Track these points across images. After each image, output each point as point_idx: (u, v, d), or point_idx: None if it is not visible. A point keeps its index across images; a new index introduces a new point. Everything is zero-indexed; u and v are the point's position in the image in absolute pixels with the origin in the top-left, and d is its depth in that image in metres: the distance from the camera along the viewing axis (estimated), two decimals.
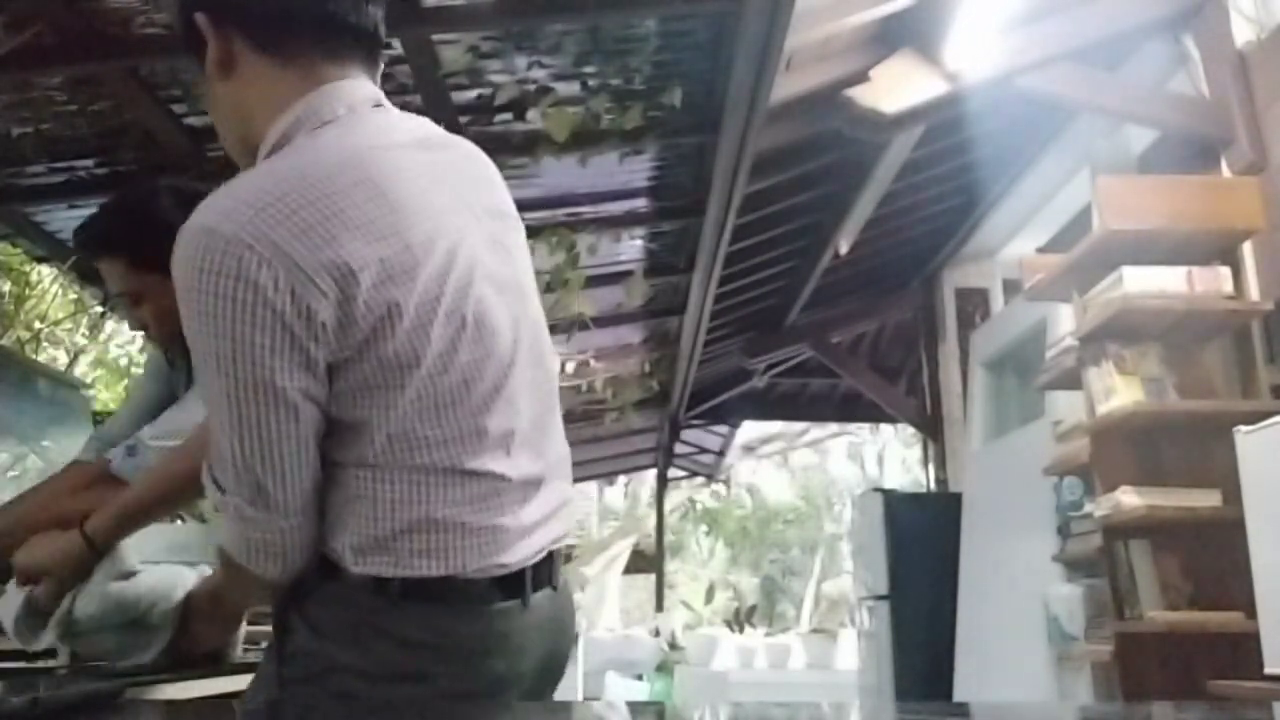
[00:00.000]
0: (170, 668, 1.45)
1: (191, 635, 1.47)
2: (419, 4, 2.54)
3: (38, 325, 5.35)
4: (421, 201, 1.02)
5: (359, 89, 1.09)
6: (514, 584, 1.08)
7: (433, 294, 0.99)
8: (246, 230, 0.91)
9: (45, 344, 5.53)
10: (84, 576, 1.39)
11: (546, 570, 1.14)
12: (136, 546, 1.45)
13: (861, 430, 14.67)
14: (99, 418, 4.05)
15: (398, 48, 2.74)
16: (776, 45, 2.72)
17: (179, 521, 2.11)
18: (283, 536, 1.02)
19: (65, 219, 3.50)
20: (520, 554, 1.09)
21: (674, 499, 14.17)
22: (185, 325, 0.96)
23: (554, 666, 1.19)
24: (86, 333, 6.04)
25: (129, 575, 1.43)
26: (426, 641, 1.03)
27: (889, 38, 3.69)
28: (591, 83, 3.05)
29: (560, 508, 1.17)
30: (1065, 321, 3.76)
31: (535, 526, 1.12)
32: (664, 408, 7.64)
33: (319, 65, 1.06)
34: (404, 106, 2.66)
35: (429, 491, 1.03)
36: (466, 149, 1.20)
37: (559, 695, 1.36)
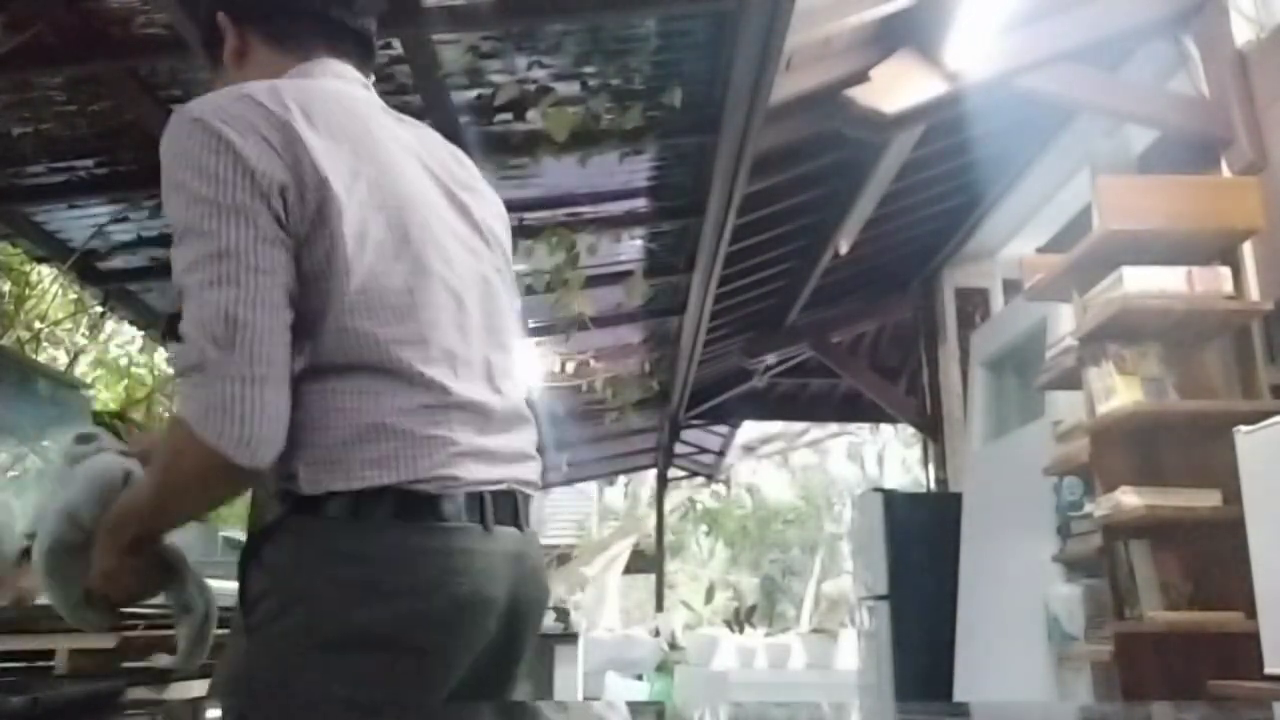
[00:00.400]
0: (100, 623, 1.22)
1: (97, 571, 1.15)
2: (419, 4, 2.54)
3: (38, 325, 5.35)
4: (379, 134, 1.14)
5: (350, 70, 1.22)
6: (474, 506, 1.10)
7: (377, 201, 1.08)
8: (218, 111, 1.04)
9: (45, 344, 5.53)
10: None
11: (509, 506, 1.16)
12: None
13: (861, 430, 14.66)
14: (99, 418, 4.05)
15: (398, 48, 2.74)
16: (776, 45, 2.72)
17: None
18: (244, 388, 0.99)
19: (65, 219, 3.50)
20: (475, 474, 1.11)
21: (674, 499, 14.17)
22: (167, 204, 1.05)
23: (526, 612, 1.18)
24: (86, 333, 6.04)
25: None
26: (385, 557, 1.04)
27: (889, 38, 3.69)
28: (591, 83, 3.05)
29: (522, 457, 1.20)
30: (1065, 321, 3.76)
31: (491, 455, 1.14)
32: (664, 408, 7.64)
33: (322, 55, 1.21)
34: (404, 106, 2.69)
35: (376, 400, 1.06)
36: (435, 134, 1.30)
37: (559, 695, 1.35)
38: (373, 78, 1.26)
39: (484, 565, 1.10)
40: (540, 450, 1.36)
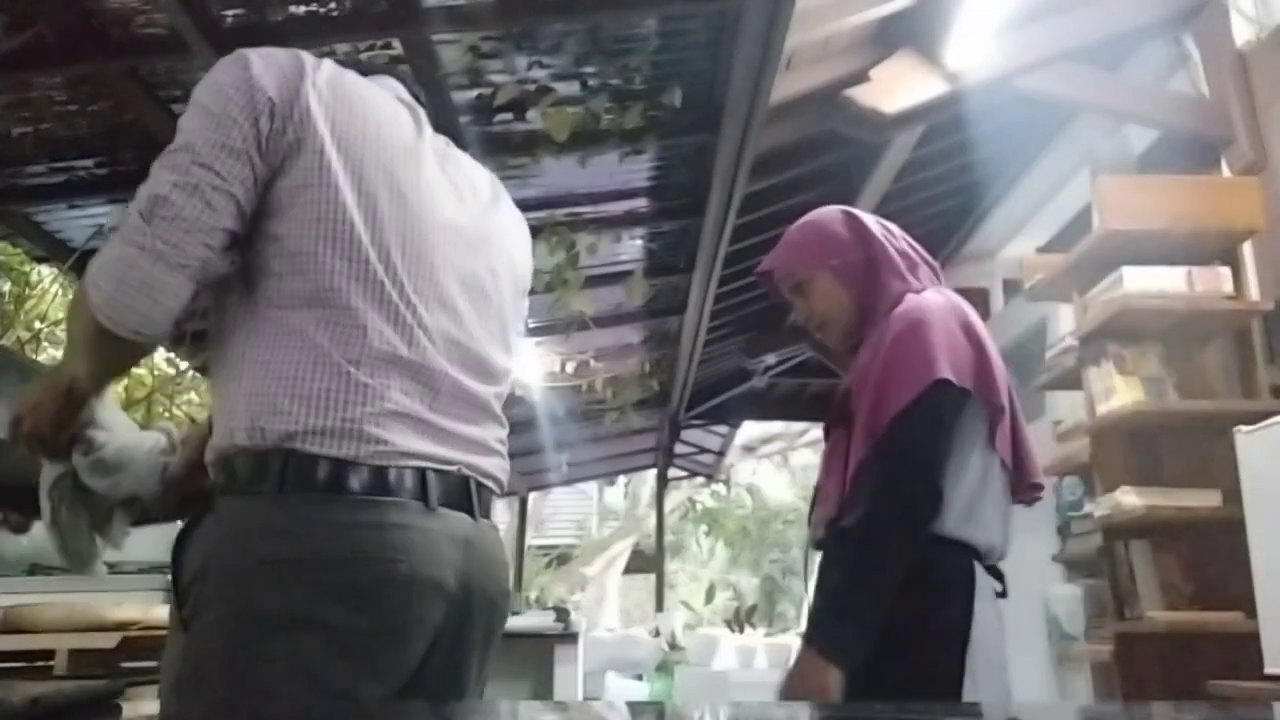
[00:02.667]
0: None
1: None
2: (419, 4, 2.54)
3: (38, 325, 5.35)
4: (393, 123, 1.19)
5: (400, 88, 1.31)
6: (415, 482, 1.08)
7: (378, 175, 1.12)
8: (259, 49, 1.12)
9: (45, 344, 5.52)
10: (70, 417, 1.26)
11: (460, 491, 1.13)
12: (133, 547, 1.41)
13: None
14: None
15: (398, 48, 2.74)
16: (776, 45, 2.72)
17: (179, 522, 2.11)
18: (140, 258, 1.03)
19: (65, 219, 3.50)
20: (416, 446, 1.09)
21: (674, 499, 14.17)
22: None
23: (479, 605, 1.15)
24: None
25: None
26: (315, 532, 1.02)
27: (889, 38, 3.69)
28: (591, 83, 3.04)
29: (484, 449, 1.19)
30: (1065, 321, 3.76)
31: (441, 433, 1.12)
32: (664, 408, 7.64)
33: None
34: None
35: (330, 335, 1.06)
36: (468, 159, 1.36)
37: (559, 695, 1.34)
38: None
39: (424, 544, 1.07)
40: (533, 451, 1.38)
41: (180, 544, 1.08)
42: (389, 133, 1.17)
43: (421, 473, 1.09)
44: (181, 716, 1.02)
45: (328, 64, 1.15)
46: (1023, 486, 1.56)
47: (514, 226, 1.36)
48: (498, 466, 1.23)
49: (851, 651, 1.36)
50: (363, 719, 1.00)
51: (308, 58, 1.14)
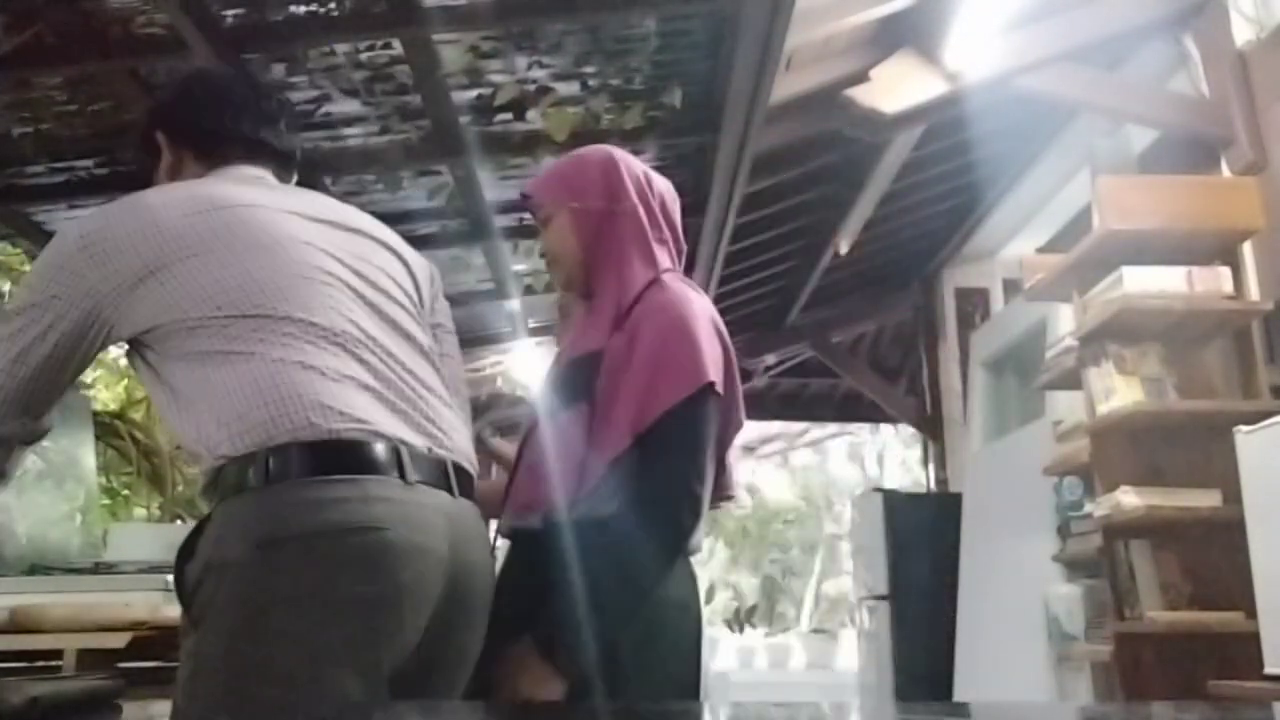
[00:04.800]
0: None
1: None
2: (419, 4, 2.54)
3: None
4: (249, 197, 1.29)
5: (260, 172, 1.39)
6: (390, 457, 1.13)
7: (250, 233, 1.23)
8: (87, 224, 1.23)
9: None
10: None
11: (437, 470, 1.19)
12: (132, 547, 1.43)
13: (861, 430, 14.65)
14: (99, 418, 4.06)
15: (398, 48, 2.74)
16: (776, 45, 2.72)
17: (178, 522, 2.11)
18: None
19: (65, 219, 3.49)
20: (390, 428, 1.15)
21: None
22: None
23: (472, 578, 1.20)
24: None
25: None
26: (302, 512, 1.08)
27: (889, 38, 3.69)
28: (591, 83, 3.04)
29: (456, 432, 1.26)
30: (1065, 321, 3.76)
31: (407, 417, 1.19)
32: None
33: (238, 164, 1.37)
34: (404, 106, 2.69)
35: (257, 367, 1.13)
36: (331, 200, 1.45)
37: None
38: (293, 181, 1.46)
39: (410, 515, 1.12)
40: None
41: (182, 555, 1.13)
42: (251, 206, 1.28)
43: (395, 449, 1.14)
44: (193, 706, 1.05)
45: (167, 192, 1.30)
46: (717, 496, 1.51)
47: (400, 248, 1.44)
48: (471, 458, 1.29)
49: (586, 663, 1.25)
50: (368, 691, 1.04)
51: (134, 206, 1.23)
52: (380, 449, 1.13)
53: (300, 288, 1.20)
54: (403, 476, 1.13)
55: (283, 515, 1.08)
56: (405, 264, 1.40)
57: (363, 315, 1.24)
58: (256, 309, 1.16)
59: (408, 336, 1.29)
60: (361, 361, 1.19)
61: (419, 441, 1.18)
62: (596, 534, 1.30)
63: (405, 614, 1.11)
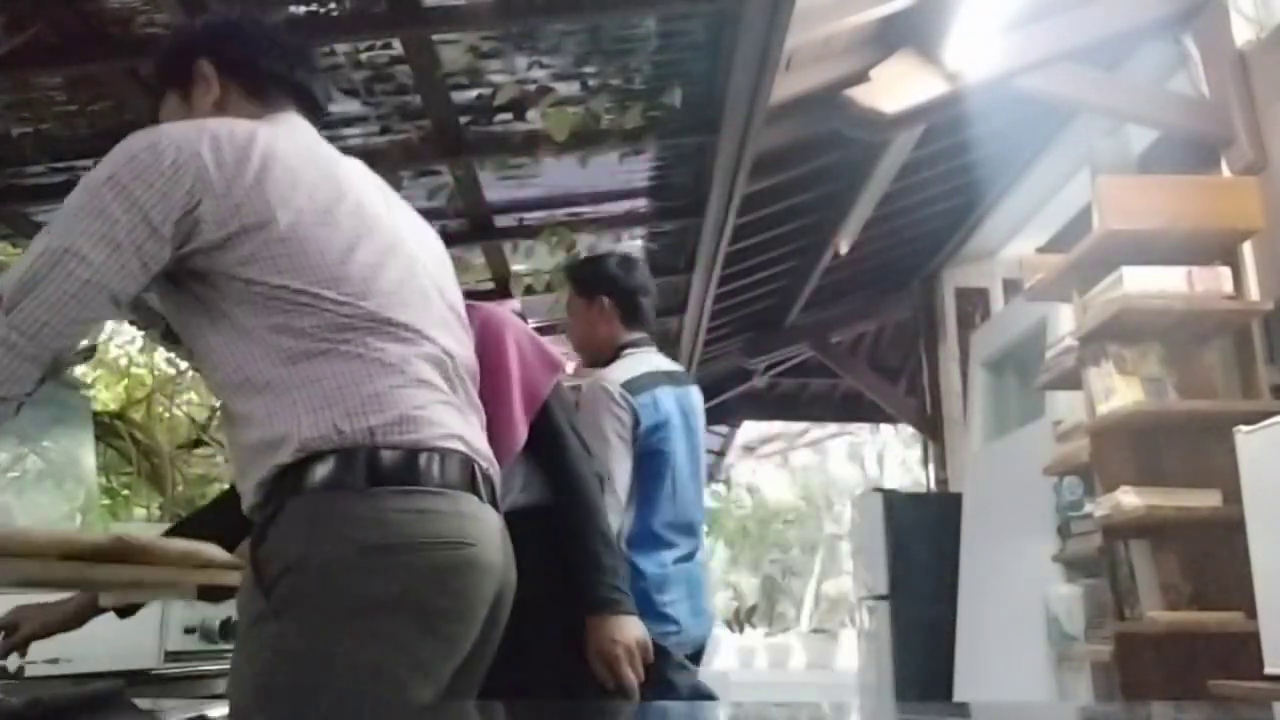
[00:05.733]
0: None
1: None
2: (419, 4, 2.54)
3: None
4: (340, 166, 1.29)
5: (307, 124, 1.38)
6: (467, 475, 1.16)
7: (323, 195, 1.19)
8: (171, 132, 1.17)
9: None
10: None
11: (490, 487, 1.22)
12: None
13: (861, 430, 14.65)
14: (99, 418, 4.05)
15: (398, 48, 2.74)
16: (776, 45, 2.72)
17: None
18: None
19: None
20: (468, 440, 1.18)
21: None
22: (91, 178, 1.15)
23: (507, 596, 1.25)
24: None
25: None
26: (401, 520, 1.09)
27: (889, 38, 3.69)
28: (591, 83, 3.04)
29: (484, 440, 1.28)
30: (1065, 321, 3.76)
31: (468, 428, 1.21)
32: None
33: (289, 110, 1.36)
34: (404, 106, 2.69)
35: (364, 366, 1.12)
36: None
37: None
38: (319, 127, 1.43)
39: (483, 532, 1.16)
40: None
41: (261, 537, 1.11)
42: (346, 178, 1.27)
43: (473, 466, 1.18)
44: (267, 695, 1.07)
45: (262, 131, 1.21)
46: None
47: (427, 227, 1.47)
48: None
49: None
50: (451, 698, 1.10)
51: (229, 132, 1.18)
52: (464, 465, 1.16)
53: (415, 297, 1.22)
54: (478, 494, 1.17)
55: (386, 520, 1.09)
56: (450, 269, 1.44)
57: (444, 330, 1.25)
58: (377, 307, 1.16)
59: (467, 350, 1.32)
60: (446, 378, 1.21)
61: (482, 461, 1.22)
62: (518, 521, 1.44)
63: (472, 628, 1.16)
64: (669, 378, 2.32)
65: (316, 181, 1.19)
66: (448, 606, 1.12)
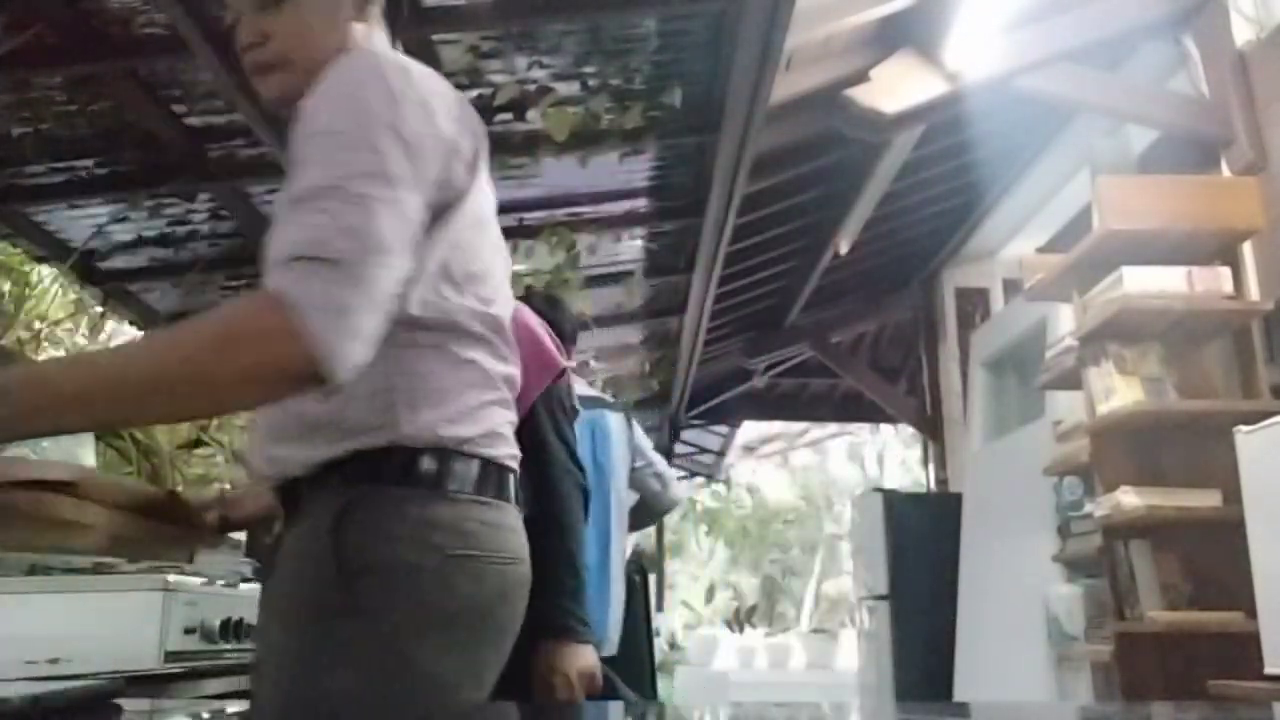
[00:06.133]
0: None
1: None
2: (419, 4, 2.54)
3: (38, 325, 5.35)
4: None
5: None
6: (516, 491, 1.17)
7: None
8: (421, 72, 1.11)
9: (45, 344, 5.52)
10: None
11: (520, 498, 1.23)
12: None
13: (861, 430, 14.65)
14: None
15: (398, 48, 2.74)
16: (776, 45, 2.72)
17: None
18: (366, 305, 0.90)
19: (65, 219, 3.50)
20: (516, 455, 1.19)
21: None
22: (332, 107, 1.02)
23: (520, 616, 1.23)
24: (86, 333, 6.03)
25: None
26: (479, 531, 1.10)
27: (889, 38, 3.69)
28: (591, 83, 3.04)
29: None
30: (1065, 321, 3.76)
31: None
32: (664, 408, 7.63)
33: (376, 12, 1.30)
34: None
35: (459, 369, 1.10)
36: None
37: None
38: None
39: (526, 548, 1.17)
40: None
41: (342, 526, 1.06)
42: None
43: (517, 481, 1.18)
44: (349, 699, 1.03)
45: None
46: None
47: None
48: None
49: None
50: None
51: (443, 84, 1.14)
52: (515, 481, 1.17)
53: (506, 303, 1.20)
54: (519, 504, 1.18)
55: (466, 530, 1.08)
56: None
57: (511, 348, 1.23)
58: (485, 308, 1.13)
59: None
60: (499, 388, 1.19)
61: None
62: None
63: (511, 641, 1.15)
64: (595, 402, 2.52)
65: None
66: (505, 621, 1.12)
